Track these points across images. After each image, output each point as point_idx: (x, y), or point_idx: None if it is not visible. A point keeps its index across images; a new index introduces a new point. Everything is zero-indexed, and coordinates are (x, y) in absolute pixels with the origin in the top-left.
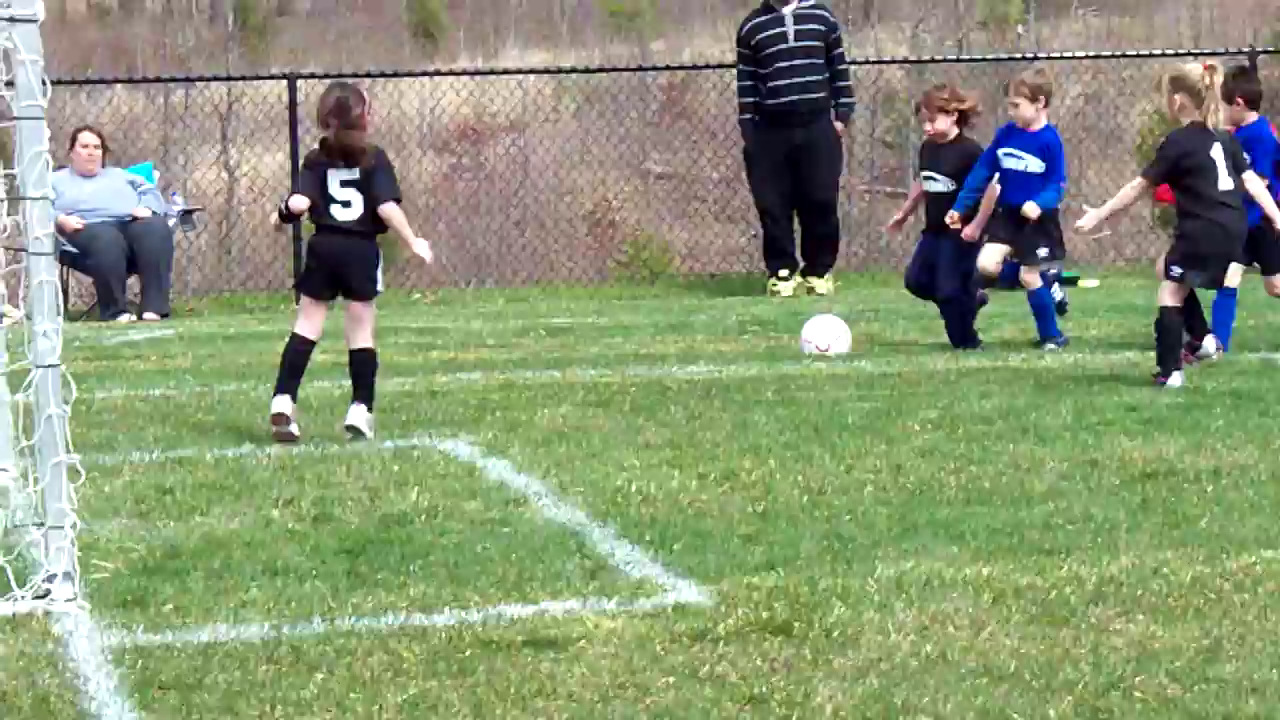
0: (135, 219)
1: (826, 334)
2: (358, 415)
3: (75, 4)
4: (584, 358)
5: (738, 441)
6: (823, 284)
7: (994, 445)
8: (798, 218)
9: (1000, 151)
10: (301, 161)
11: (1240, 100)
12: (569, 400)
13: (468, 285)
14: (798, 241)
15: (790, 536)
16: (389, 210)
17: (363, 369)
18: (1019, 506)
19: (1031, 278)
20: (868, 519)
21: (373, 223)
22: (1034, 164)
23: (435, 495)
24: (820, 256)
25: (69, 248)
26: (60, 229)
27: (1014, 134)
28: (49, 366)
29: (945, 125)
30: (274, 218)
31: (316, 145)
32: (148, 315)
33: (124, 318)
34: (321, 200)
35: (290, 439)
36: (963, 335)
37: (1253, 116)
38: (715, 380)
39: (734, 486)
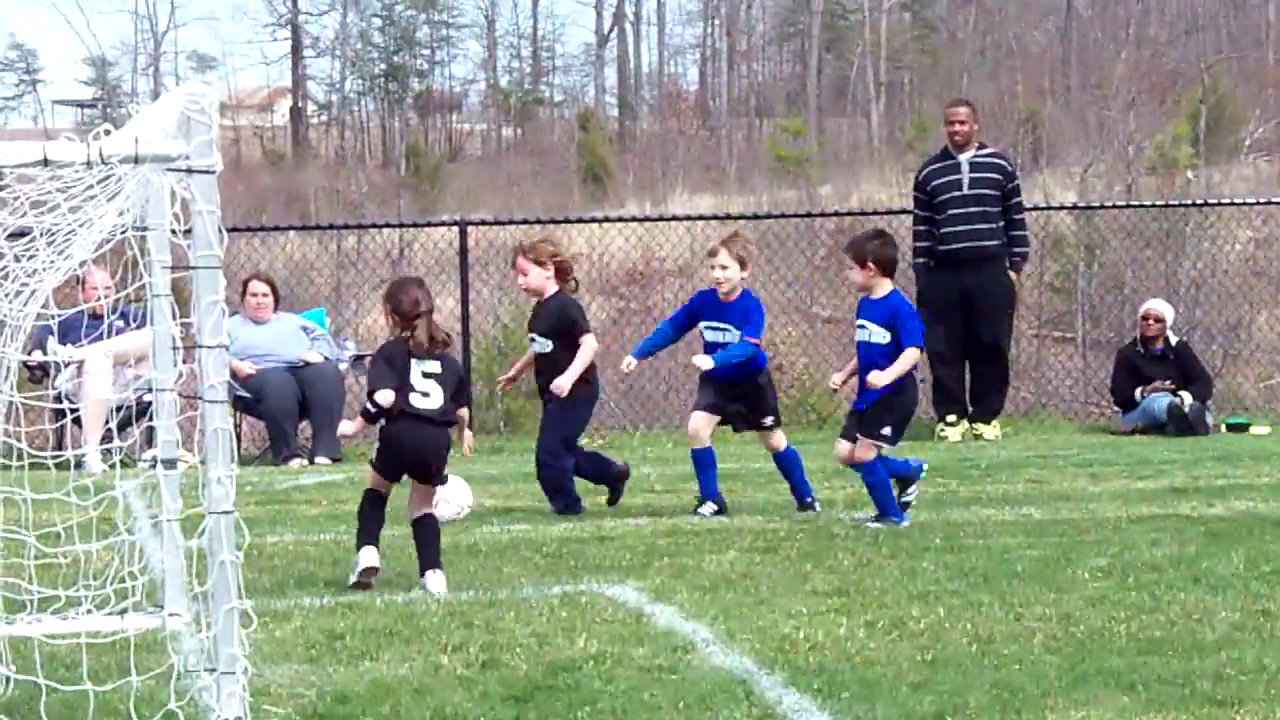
0: (307, 364)
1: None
2: (438, 582)
3: (250, 150)
4: (751, 503)
5: (906, 589)
6: (990, 429)
7: (1164, 594)
8: (967, 362)
9: (702, 325)
10: (379, 352)
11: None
12: (736, 546)
13: (635, 429)
14: (966, 386)
15: (959, 685)
16: (462, 412)
17: (431, 535)
18: (1190, 657)
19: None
20: (1037, 668)
21: (450, 412)
22: (734, 334)
23: (602, 642)
24: (988, 401)
25: (242, 392)
26: (233, 374)
27: (714, 307)
28: (223, 513)
29: (538, 281)
30: (352, 426)
31: (403, 336)
32: (319, 459)
33: (295, 462)
34: (403, 390)
35: (369, 587)
36: (564, 500)
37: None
38: (883, 526)
39: (902, 634)
